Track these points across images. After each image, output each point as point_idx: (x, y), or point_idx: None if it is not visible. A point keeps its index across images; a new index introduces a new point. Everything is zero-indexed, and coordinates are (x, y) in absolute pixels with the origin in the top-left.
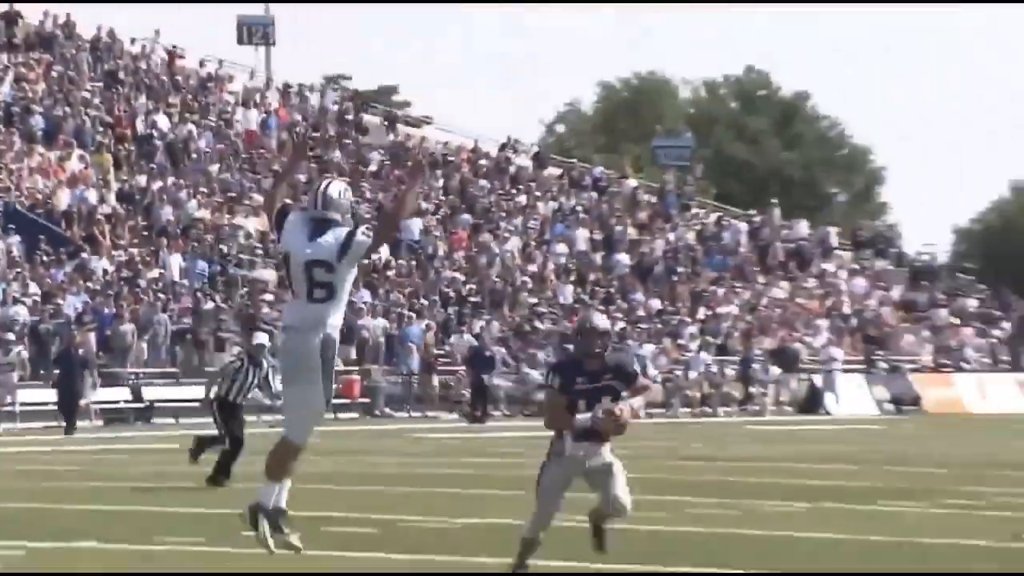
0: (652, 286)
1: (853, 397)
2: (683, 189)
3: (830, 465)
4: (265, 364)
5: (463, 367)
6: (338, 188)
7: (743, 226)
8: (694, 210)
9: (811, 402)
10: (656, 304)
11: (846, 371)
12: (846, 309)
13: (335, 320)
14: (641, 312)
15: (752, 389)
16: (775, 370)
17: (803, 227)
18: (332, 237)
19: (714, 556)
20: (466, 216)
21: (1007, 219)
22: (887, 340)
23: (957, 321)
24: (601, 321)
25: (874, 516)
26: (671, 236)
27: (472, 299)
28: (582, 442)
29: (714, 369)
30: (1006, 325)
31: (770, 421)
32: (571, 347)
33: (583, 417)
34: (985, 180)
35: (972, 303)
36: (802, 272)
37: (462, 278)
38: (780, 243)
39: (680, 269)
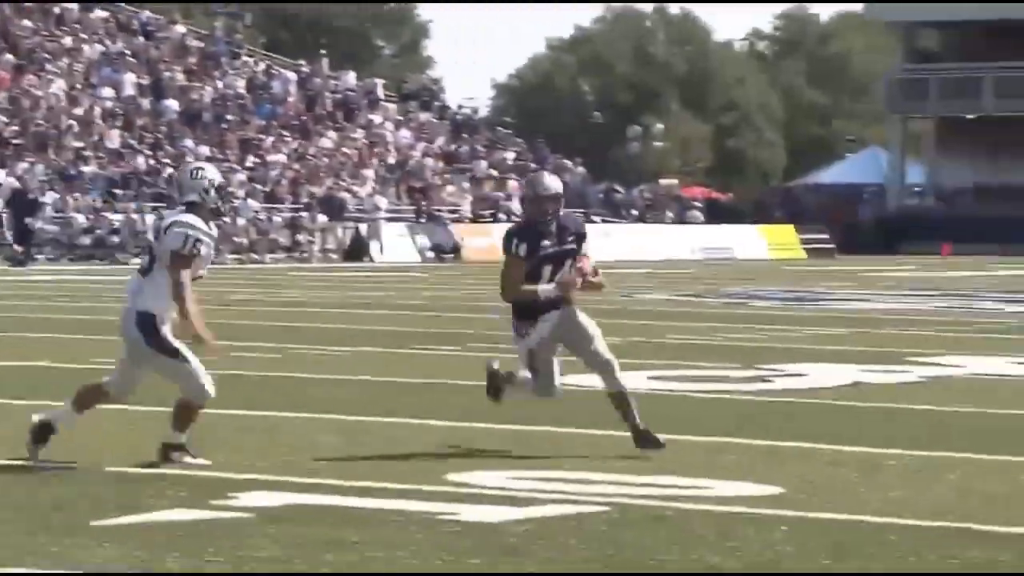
0: (201, 133)
1: (396, 245)
2: (232, 37)
3: (371, 311)
4: None
5: (6, 209)
6: (188, 169)
7: (292, 75)
8: (243, 58)
9: (356, 250)
10: (205, 151)
11: (390, 220)
12: (391, 160)
13: (149, 299)
14: (190, 159)
15: (299, 236)
16: (322, 218)
17: (351, 78)
18: (172, 217)
19: (253, 399)
20: (9, 56)
21: (543, 75)
22: (430, 190)
23: (495, 173)
24: (554, 183)
25: (408, 359)
26: (220, 83)
27: (15, 141)
28: (550, 311)
29: (262, 216)
30: None
31: (316, 268)
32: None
33: (547, 287)
34: (523, 37)
35: (510, 156)
36: (349, 123)
37: (5, 119)
38: (328, 93)
39: (229, 117)
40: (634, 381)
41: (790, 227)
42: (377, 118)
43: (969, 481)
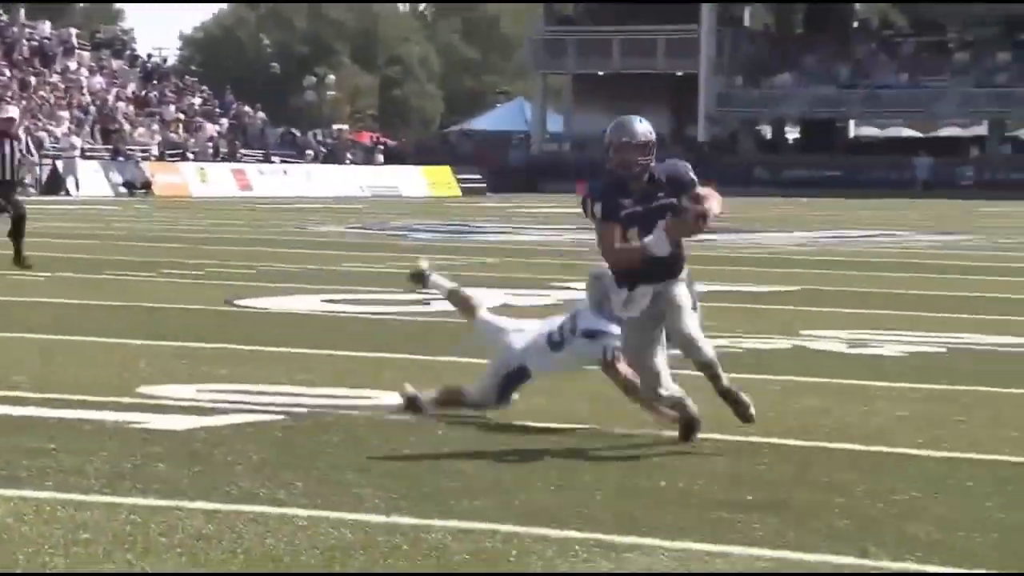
0: None
1: (92, 181)
2: None
3: (69, 240)
4: (23, 137)
5: None
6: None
7: None
8: None
9: (53, 185)
10: None
11: (86, 158)
12: (86, 103)
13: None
14: None
15: None
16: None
17: (46, 27)
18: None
19: None
20: None
21: (226, 28)
22: (122, 131)
23: (183, 116)
24: (643, 130)
25: (103, 284)
26: None
27: None
28: (651, 284)
29: None
30: (224, 121)
31: None
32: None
33: (652, 239)
34: None
35: (197, 101)
36: (46, 68)
37: None
38: (25, 41)
39: None
40: (309, 304)
41: (447, 168)
42: (72, 64)
43: (600, 390)
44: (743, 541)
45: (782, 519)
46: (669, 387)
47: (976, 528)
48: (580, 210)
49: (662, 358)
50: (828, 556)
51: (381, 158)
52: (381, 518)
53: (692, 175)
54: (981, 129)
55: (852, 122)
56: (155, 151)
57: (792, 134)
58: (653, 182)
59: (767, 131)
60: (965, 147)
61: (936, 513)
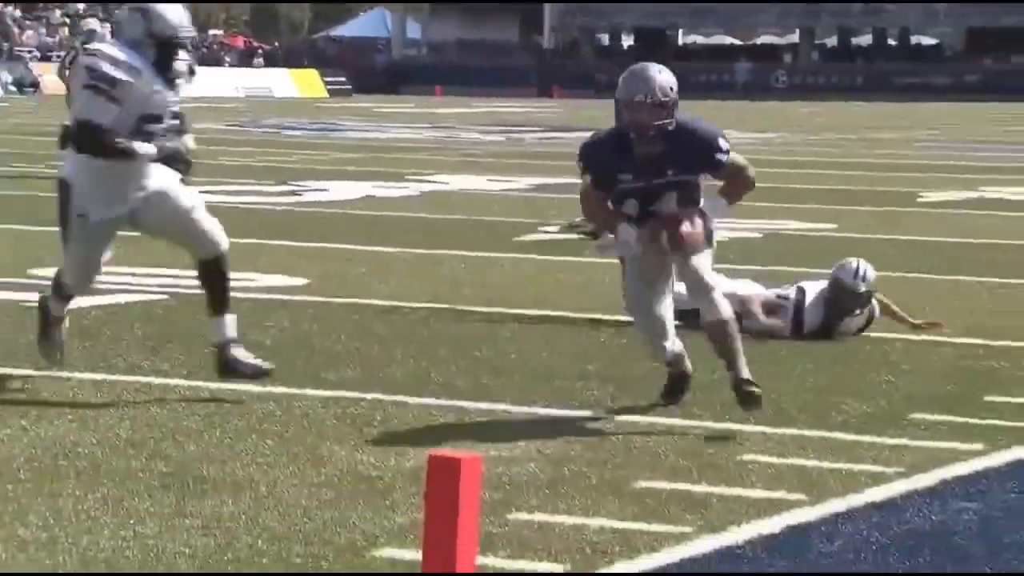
0: None
1: None
2: None
3: None
4: None
5: None
6: None
7: None
8: None
9: None
10: None
11: None
12: None
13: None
14: None
15: None
16: None
17: None
18: None
19: None
20: None
21: None
22: (11, 33)
23: (67, 19)
24: (660, 82)
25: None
26: None
27: None
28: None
29: None
30: (108, 25)
31: None
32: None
33: (626, 231)
34: None
35: (81, 6)
36: None
37: None
38: None
39: None
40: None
41: (315, 72)
42: None
43: (457, 273)
44: (583, 406)
45: (617, 387)
46: (672, 341)
47: (788, 392)
48: (447, 108)
49: (667, 305)
50: (658, 418)
51: (262, 61)
52: (256, 387)
53: (722, 144)
54: (794, 37)
55: (680, 31)
56: (39, 53)
57: (627, 42)
58: (665, 149)
59: (605, 39)
60: (780, 54)
61: (755, 380)
